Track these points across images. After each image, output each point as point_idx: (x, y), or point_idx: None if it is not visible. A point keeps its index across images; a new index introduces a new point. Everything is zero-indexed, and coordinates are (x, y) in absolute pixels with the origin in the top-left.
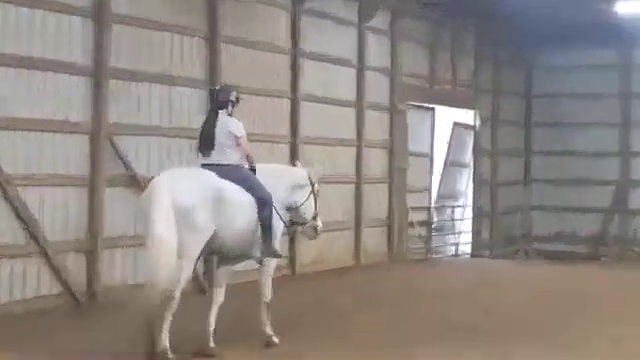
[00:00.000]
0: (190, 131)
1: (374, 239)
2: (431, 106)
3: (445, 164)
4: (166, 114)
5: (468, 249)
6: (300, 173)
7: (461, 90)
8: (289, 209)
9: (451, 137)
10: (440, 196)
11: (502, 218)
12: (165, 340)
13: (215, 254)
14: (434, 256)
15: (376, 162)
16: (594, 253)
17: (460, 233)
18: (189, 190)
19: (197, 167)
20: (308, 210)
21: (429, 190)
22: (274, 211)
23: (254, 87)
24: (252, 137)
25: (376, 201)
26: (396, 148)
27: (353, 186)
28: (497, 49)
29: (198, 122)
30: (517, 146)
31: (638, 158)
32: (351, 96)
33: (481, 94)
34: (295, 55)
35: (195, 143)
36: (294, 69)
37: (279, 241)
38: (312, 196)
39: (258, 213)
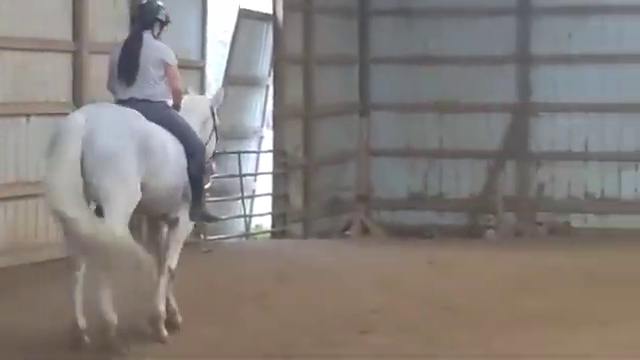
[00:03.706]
0: None
1: None
2: None
3: (225, 81)
4: None
5: (268, 224)
6: (205, 103)
7: None
8: None
9: (235, 35)
10: (218, 135)
11: (323, 172)
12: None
13: (137, 214)
14: (209, 238)
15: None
16: (473, 225)
17: (253, 198)
18: (113, 131)
19: (113, 103)
20: (209, 150)
21: None
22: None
23: None
24: None
25: None
26: None
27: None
28: None
29: None
30: (346, 50)
31: (542, 66)
32: None
33: None
34: None
35: (111, 72)
36: None
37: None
38: (214, 132)
39: (188, 166)
